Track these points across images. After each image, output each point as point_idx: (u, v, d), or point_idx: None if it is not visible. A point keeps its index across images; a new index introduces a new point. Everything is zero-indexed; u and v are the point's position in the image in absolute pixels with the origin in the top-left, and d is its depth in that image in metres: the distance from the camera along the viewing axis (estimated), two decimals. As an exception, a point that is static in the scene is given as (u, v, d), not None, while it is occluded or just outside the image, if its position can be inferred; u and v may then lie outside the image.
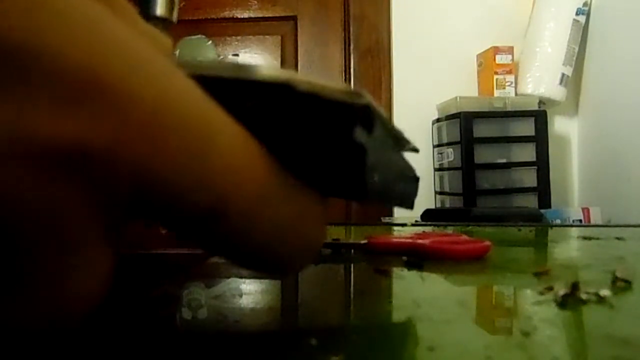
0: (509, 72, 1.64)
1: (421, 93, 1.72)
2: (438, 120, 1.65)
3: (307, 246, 0.18)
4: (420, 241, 0.45)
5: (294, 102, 0.16)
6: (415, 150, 0.24)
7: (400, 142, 0.22)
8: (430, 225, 0.81)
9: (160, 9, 0.44)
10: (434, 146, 1.68)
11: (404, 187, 0.24)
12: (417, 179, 0.25)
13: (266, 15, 1.84)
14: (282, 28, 1.84)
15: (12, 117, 0.11)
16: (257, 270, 0.18)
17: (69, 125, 0.12)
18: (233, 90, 0.16)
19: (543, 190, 1.52)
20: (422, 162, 1.70)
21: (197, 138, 0.14)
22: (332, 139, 0.17)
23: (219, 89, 0.15)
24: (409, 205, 0.24)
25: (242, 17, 1.84)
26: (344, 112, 0.16)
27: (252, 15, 1.84)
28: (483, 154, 1.51)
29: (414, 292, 0.33)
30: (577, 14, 1.59)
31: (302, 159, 0.17)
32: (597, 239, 0.56)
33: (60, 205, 0.12)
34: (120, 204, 0.13)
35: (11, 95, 0.11)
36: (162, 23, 0.44)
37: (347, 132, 0.16)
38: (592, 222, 1.40)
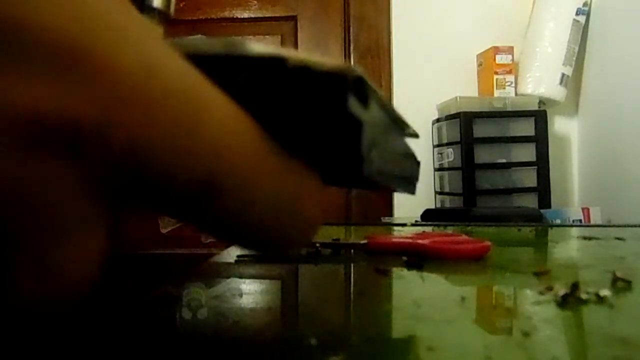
0: (509, 72, 1.64)
1: (421, 93, 1.72)
2: (438, 120, 1.65)
3: (304, 224, 0.18)
4: (420, 241, 0.45)
5: (285, 76, 0.16)
6: (415, 135, 0.24)
7: (399, 126, 0.22)
8: (430, 225, 0.81)
9: (156, 0, 0.43)
10: (434, 146, 1.68)
11: (406, 170, 0.23)
12: (418, 163, 0.25)
13: (266, 15, 1.84)
14: (282, 28, 1.84)
15: None
16: (254, 249, 0.18)
17: (55, 98, 0.11)
18: (225, 67, 0.16)
19: (543, 190, 1.52)
20: (422, 162, 1.70)
21: (187, 111, 0.13)
22: (326, 113, 0.16)
23: (210, 66, 0.15)
24: (411, 189, 0.24)
25: (242, 17, 1.84)
26: (336, 82, 0.16)
27: (252, 15, 1.84)
28: (483, 154, 1.51)
29: (414, 292, 0.33)
30: (577, 14, 1.59)
31: (297, 135, 0.17)
32: (597, 239, 0.56)
33: (48, 184, 0.12)
34: (112, 182, 0.13)
35: None
36: (158, 16, 0.43)
37: (341, 104, 0.16)
38: (592, 222, 1.40)
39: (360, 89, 0.16)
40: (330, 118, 0.16)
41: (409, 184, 0.24)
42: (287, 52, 0.16)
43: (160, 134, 0.13)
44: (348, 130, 0.16)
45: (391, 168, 0.20)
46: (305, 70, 0.16)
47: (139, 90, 0.12)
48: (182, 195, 0.14)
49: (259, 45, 0.16)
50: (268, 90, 0.16)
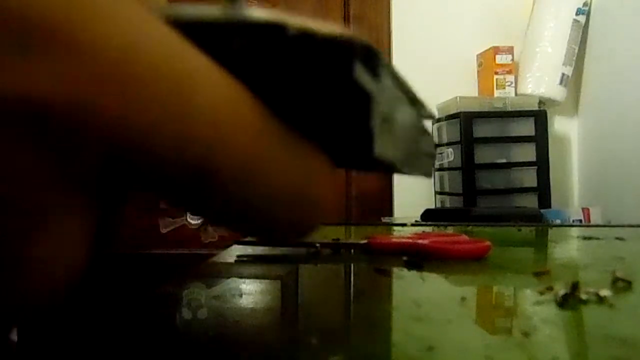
0: (509, 72, 1.64)
1: (421, 93, 1.72)
2: (438, 120, 1.65)
3: (313, 209, 0.16)
4: (420, 241, 0.45)
5: (286, 44, 0.14)
6: (431, 116, 0.22)
7: (416, 104, 0.20)
8: (430, 225, 0.81)
9: None
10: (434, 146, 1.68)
11: (421, 151, 0.21)
12: (435, 145, 0.23)
13: (266, 15, 1.84)
14: (282, 28, 1.84)
15: None
16: (259, 235, 0.16)
17: (20, 77, 0.10)
18: (218, 35, 0.14)
19: (543, 190, 1.52)
20: (422, 162, 1.70)
21: (174, 89, 0.12)
22: (331, 84, 0.14)
23: (202, 35, 0.14)
24: (428, 172, 0.22)
25: (242, 17, 1.84)
26: (342, 50, 0.14)
27: (252, 15, 1.84)
28: (483, 154, 1.51)
29: (414, 292, 0.33)
30: (577, 14, 1.59)
31: (301, 111, 0.15)
32: (597, 239, 0.56)
33: (19, 171, 0.11)
34: (92, 167, 0.12)
35: None
36: None
37: (347, 73, 0.14)
38: (592, 222, 1.40)
39: (369, 58, 0.15)
40: (336, 90, 0.14)
41: (425, 167, 0.22)
42: (288, 18, 0.14)
43: (144, 116, 0.12)
44: (356, 103, 0.15)
45: (406, 148, 0.18)
46: (307, 38, 0.14)
47: (117, 67, 0.11)
48: (175, 181, 0.13)
49: (257, 10, 0.14)
50: (267, 60, 0.14)
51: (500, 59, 1.65)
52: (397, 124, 0.17)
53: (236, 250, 0.48)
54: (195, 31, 0.14)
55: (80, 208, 0.12)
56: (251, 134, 0.14)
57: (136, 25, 0.12)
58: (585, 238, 0.59)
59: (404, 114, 0.18)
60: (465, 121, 1.49)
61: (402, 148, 0.18)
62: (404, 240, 0.47)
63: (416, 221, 0.99)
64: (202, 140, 0.13)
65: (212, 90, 0.13)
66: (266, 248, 0.50)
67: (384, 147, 0.16)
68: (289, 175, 0.15)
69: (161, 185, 0.13)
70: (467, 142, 1.49)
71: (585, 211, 1.44)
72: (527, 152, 1.53)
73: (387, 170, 0.19)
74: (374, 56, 0.15)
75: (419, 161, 0.21)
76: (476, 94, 1.72)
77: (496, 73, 1.65)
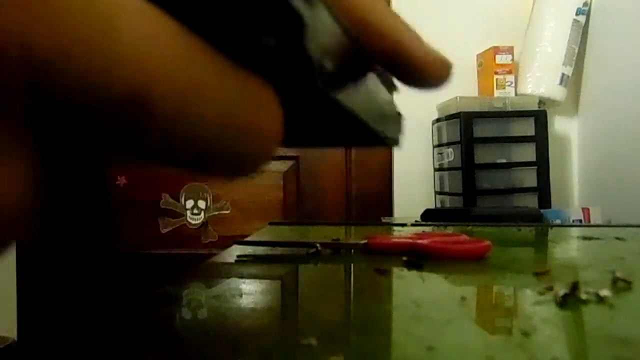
0: (509, 72, 1.65)
1: (421, 93, 1.72)
2: (438, 120, 1.65)
3: (259, 140, 0.16)
4: (420, 241, 0.45)
5: None
6: (391, 84, 0.21)
7: (364, 58, 0.19)
8: (430, 225, 0.82)
9: None
10: (434, 146, 1.68)
11: (387, 111, 0.20)
12: (400, 114, 0.22)
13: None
14: (282, 28, 1.84)
15: None
16: (205, 172, 0.16)
17: None
18: None
19: (543, 190, 1.52)
20: (422, 162, 1.71)
21: (91, 11, 0.11)
22: (260, 4, 0.14)
23: None
24: (397, 138, 0.21)
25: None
26: None
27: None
28: (483, 154, 1.51)
29: (414, 292, 0.33)
30: (577, 14, 1.59)
31: (232, 36, 0.14)
32: (597, 239, 0.56)
33: None
34: (16, 104, 0.11)
35: None
36: None
37: None
38: (592, 222, 1.40)
39: None
40: (266, 11, 0.14)
41: (394, 131, 0.21)
42: None
43: (57, 41, 0.11)
44: (289, 26, 0.14)
45: (365, 100, 0.18)
46: None
47: (45, 6, 0.11)
48: (108, 119, 0.12)
49: None
50: None
51: (500, 59, 1.65)
52: (343, 66, 0.16)
53: (236, 250, 0.48)
54: None
55: (13, 149, 0.12)
56: (181, 60, 0.13)
57: None
58: (585, 238, 0.59)
59: (351, 58, 0.17)
60: (465, 121, 1.49)
61: (360, 99, 0.18)
62: (403, 240, 0.47)
63: (416, 221, 0.99)
64: (128, 68, 0.12)
65: (134, 23, 0.12)
66: (266, 248, 0.50)
67: (326, 79, 0.15)
68: (227, 101, 0.14)
69: (92, 125, 0.13)
70: (467, 142, 1.49)
71: (585, 211, 1.44)
72: (527, 152, 1.54)
73: (360, 128, 0.18)
74: None
75: (387, 121, 0.20)
76: (476, 94, 1.72)
77: (496, 73, 1.65)
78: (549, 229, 0.78)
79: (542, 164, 1.52)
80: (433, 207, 1.63)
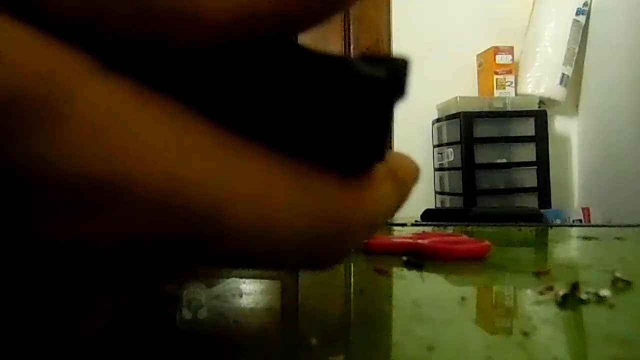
0: (509, 72, 1.65)
1: (421, 93, 1.73)
2: (438, 120, 1.65)
3: (341, 235, 0.14)
4: (420, 241, 0.45)
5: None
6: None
7: None
8: (430, 225, 0.81)
9: None
10: (434, 146, 1.68)
11: None
12: None
13: (266, 15, 1.84)
14: (282, 28, 1.84)
15: None
16: (286, 270, 0.16)
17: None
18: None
19: (543, 190, 1.52)
20: (422, 162, 1.70)
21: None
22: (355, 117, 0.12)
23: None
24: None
25: (242, 17, 1.84)
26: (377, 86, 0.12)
27: (252, 15, 1.84)
28: (483, 154, 1.51)
29: (414, 292, 0.33)
30: (577, 14, 1.59)
31: (303, 134, 0.12)
32: (597, 239, 0.56)
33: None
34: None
35: None
36: None
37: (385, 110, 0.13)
38: (592, 222, 1.40)
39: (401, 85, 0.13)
40: (358, 122, 0.12)
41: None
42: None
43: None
44: (377, 127, 0.13)
45: None
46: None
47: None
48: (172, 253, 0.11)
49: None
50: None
51: (500, 59, 1.65)
52: None
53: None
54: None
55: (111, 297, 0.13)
56: (255, 189, 0.11)
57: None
58: (585, 238, 0.59)
59: None
60: (465, 121, 1.49)
61: None
62: (403, 240, 0.47)
63: (416, 221, 0.99)
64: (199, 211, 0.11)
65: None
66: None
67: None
68: (304, 210, 0.12)
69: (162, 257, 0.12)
70: (467, 142, 1.49)
71: (585, 211, 1.44)
72: (527, 152, 1.54)
73: None
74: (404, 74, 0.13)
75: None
76: (476, 94, 1.72)
77: (496, 73, 1.65)
78: (549, 229, 0.78)
79: (542, 164, 1.52)
80: (433, 207, 1.63)
